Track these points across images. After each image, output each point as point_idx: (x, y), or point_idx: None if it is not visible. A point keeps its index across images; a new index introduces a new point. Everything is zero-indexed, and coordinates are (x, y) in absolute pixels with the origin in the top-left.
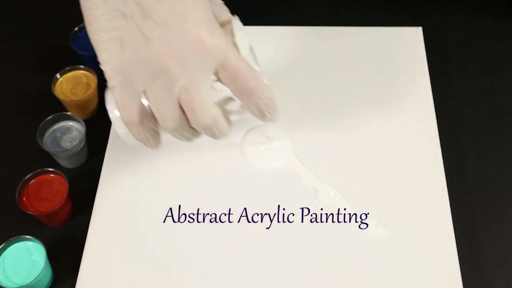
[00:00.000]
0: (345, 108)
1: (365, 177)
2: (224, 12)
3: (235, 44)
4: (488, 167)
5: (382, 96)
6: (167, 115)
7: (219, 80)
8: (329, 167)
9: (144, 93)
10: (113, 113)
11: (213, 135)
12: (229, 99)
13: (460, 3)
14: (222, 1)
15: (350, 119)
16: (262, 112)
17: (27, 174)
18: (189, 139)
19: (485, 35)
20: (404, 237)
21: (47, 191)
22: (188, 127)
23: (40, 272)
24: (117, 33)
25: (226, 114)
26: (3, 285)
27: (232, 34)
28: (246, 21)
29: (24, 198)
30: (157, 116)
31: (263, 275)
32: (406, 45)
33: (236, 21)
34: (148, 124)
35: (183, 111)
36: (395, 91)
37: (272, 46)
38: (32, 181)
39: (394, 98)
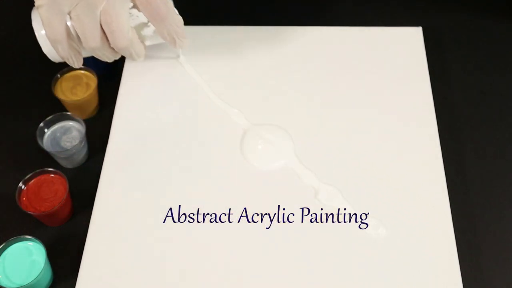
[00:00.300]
0: (345, 108)
1: (365, 177)
2: None
3: None
4: (488, 167)
5: (382, 96)
6: (89, 34)
7: (135, 6)
8: (329, 167)
9: (69, 14)
10: (39, 32)
11: (131, 56)
12: (144, 25)
13: (460, 3)
14: None
15: (350, 119)
16: (172, 37)
17: (27, 174)
18: (109, 59)
19: (485, 35)
20: (404, 237)
21: (47, 191)
22: (108, 47)
23: (40, 272)
24: None
25: (141, 38)
26: (3, 285)
27: None
28: (246, 22)
29: (24, 198)
30: (80, 35)
31: (263, 275)
32: (406, 45)
33: None
34: (71, 43)
35: (104, 32)
36: (395, 91)
37: (272, 46)
38: (32, 181)
39: (394, 98)
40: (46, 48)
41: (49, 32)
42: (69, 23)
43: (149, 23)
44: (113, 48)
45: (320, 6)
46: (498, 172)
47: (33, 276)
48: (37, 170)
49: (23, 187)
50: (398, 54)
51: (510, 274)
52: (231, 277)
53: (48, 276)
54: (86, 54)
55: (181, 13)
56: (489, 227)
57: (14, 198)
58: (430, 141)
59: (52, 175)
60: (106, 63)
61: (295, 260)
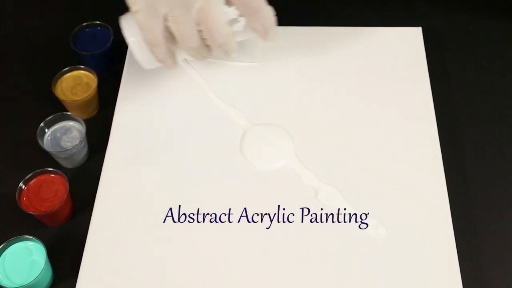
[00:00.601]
0: (345, 108)
1: (365, 177)
2: None
3: None
4: (488, 167)
5: (382, 96)
6: (187, 34)
7: (228, 1)
8: (329, 167)
9: (165, 16)
10: (131, 38)
11: (226, 52)
12: (234, 20)
13: (460, 3)
14: None
15: (350, 119)
16: (265, 29)
17: (27, 174)
18: (204, 58)
19: (485, 35)
20: (404, 237)
21: (47, 191)
22: (204, 46)
23: (40, 272)
24: None
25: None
26: (3, 285)
27: None
28: None
29: (24, 198)
30: (177, 36)
31: (263, 275)
32: (406, 45)
33: None
34: (168, 45)
35: (199, 31)
36: (395, 91)
37: (271, 46)
38: (32, 181)
39: (394, 98)
40: (140, 55)
41: (147, 36)
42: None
43: (239, 19)
44: (208, 46)
45: (320, 6)
46: (498, 172)
47: (33, 276)
48: (38, 170)
49: (23, 187)
50: (398, 54)
51: (510, 274)
52: (231, 277)
53: (48, 276)
54: (180, 55)
55: None
56: (489, 227)
57: (14, 198)
58: (430, 141)
59: (52, 175)
60: (106, 63)
61: (295, 260)
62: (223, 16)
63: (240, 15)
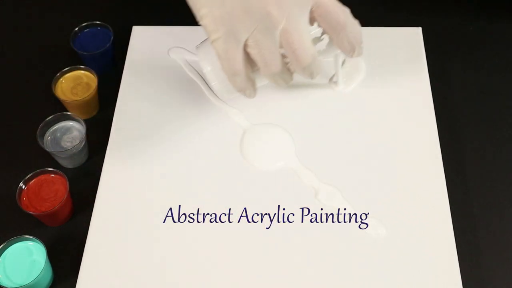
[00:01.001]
0: (345, 108)
1: (365, 177)
2: None
3: None
4: (488, 167)
5: (381, 96)
6: (270, 59)
7: (312, 18)
8: (329, 167)
9: (246, 41)
10: (208, 68)
11: (311, 74)
12: (317, 39)
13: (460, 3)
14: None
15: (350, 119)
16: (353, 45)
17: (27, 174)
18: (287, 83)
19: (485, 35)
20: (404, 237)
21: (47, 191)
22: (287, 70)
23: (40, 272)
24: None
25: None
26: (3, 285)
27: None
28: None
29: (24, 198)
30: (260, 62)
31: (263, 275)
32: (406, 45)
33: None
34: (247, 72)
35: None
36: (395, 91)
37: None
38: (32, 181)
39: (394, 98)
40: (218, 85)
41: (227, 65)
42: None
43: (322, 37)
44: (289, 70)
45: None
46: (498, 172)
47: (33, 276)
48: (38, 170)
49: (23, 187)
50: (398, 54)
51: (510, 274)
52: (231, 277)
53: (48, 276)
54: (260, 81)
55: (182, 14)
56: (489, 227)
57: (14, 198)
58: (430, 141)
59: (53, 175)
60: (106, 63)
61: (295, 260)
62: (308, 35)
63: (324, 33)
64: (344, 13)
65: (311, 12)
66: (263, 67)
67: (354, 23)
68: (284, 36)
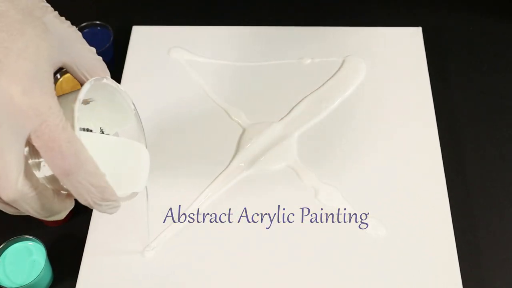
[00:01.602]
0: (345, 108)
1: (365, 177)
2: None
3: (72, 112)
4: (488, 167)
5: (382, 96)
6: None
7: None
8: (329, 167)
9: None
10: None
11: (30, 212)
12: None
13: (460, 3)
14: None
15: (350, 119)
16: (85, 199)
17: None
18: (11, 212)
19: (485, 35)
20: (404, 237)
21: None
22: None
23: (40, 272)
24: None
25: (60, 188)
26: (3, 285)
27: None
28: (246, 22)
29: None
30: None
31: (263, 275)
32: (406, 45)
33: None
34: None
35: None
36: (395, 91)
37: (271, 46)
38: None
39: (394, 98)
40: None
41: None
42: None
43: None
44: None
45: (320, 6)
46: (498, 172)
47: (33, 276)
48: None
49: None
50: (398, 54)
51: (510, 274)
52: (231, 277)
53: (48, 276)
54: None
55: (182, 14)
56: (489, 227)
57: None
58: (430, 141)
59: None
60: (106, 62)
61: (295, 260)
62: (18, 166)
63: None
64: (75, 155)
65: (31, 140)
66: None
67: (93, 172)
68: None
